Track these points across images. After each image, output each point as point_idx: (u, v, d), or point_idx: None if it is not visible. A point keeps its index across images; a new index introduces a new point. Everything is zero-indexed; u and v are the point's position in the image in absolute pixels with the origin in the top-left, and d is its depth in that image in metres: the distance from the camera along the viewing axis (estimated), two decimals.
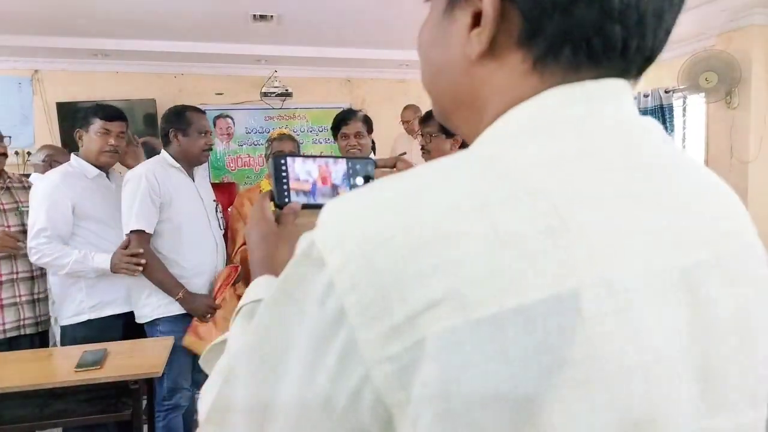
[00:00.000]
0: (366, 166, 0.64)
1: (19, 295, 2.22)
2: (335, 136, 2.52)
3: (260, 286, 0.58)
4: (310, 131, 5.43)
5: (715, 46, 4.05)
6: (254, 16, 3.81)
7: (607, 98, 0.38)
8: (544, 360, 0.30)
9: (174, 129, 2.31)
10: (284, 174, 0.62)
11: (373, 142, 2.67)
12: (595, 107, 0.38)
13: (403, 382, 0.30)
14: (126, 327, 2.31)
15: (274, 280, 0.41)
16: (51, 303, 2.46)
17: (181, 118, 2.31)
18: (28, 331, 2.24)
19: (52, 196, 2.17)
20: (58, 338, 2.65)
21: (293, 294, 0.34)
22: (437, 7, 0.43)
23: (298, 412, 0.33)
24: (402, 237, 0.31)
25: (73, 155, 2.33)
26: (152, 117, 4.81)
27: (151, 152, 3.05)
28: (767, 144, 3.91)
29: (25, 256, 2.22)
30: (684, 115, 4.68)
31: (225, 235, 2.54)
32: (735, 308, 0.38)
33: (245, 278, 2.38)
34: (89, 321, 2.25)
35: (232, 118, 5.25)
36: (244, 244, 2.46)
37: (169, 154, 2.34)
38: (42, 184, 2.23)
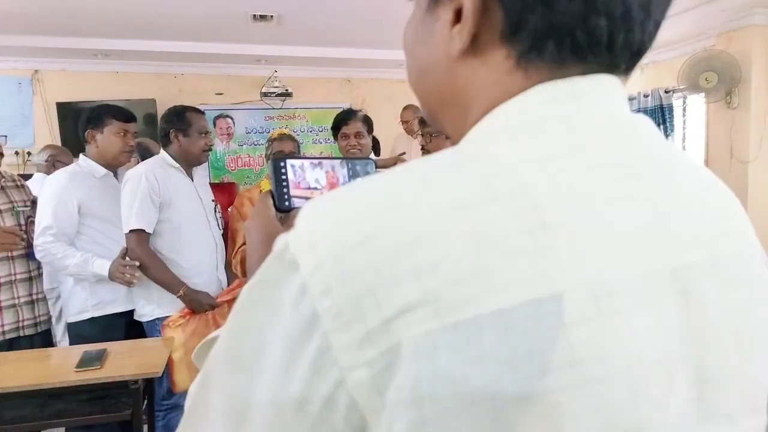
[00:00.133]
0: (366, 167, 0.64)
1: (18, 297, 2.21)
2: (335, 136, 2.52)
3: None
4: (310, 131, 5.44)
5: (715, 46, 4.05)
6: (254, 16, 3.81)
7: (597, 95, 0.37)
8: (523, 367, 0.29)
9: (175, 129, 2.32)
10: (284, 177, 0.61)
11: (377, 142, 2.67)
12: (584, 104, 0.37)
13: (378, 387, 0.29)
14: (128, 325, 2.33)
15: None
16: (51, 302, 2.47)
17: (182, 118, 2.32)
18: (27, 332, 2.24)
19: (60, 195, 2.21)
20: (57, 338, 2.66)
21: (267, 296, 0.33)
22: (421, 5, 0.42)
23: (273, 414, 0.32)
24: (377, 240, 0.30)
25: (81, 155, 2.37)
26: (152, 117, 4.81)
27: (144, 153, 3.06)
28: (767, 144, 3.91)
29: (23, 256, 2.23)
30: (684, 115, 4.68)
31: (224, 235, 2.55)
32: (732, 311, 0.37)
33: (244, 277, 2.38)
34: (93, 319, 2.28)
35: (232, 118, 5.25)
36: (245, 243, 2.46)
37: (169, 154, 2.35)
38: (51, 183, 2.28)
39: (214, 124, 5.13)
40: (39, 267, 2.32)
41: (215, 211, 2.50)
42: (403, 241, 0.30)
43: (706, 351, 0.35)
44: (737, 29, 3.89)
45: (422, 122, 2.46)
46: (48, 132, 4.73)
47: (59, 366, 1.92)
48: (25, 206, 2.30)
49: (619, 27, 0.36)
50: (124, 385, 1.79)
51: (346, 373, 0.30)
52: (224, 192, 4.17)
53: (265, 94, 5.07)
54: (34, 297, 2.28)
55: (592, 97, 0.37)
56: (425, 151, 2.40)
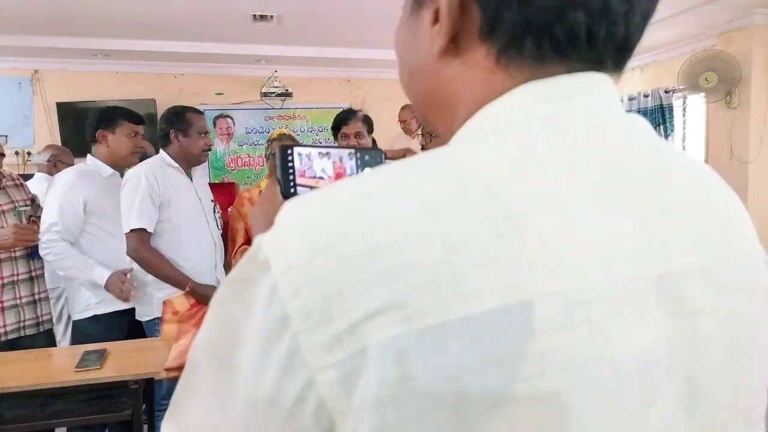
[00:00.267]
0: (375, 158, 0.63)
1: (20, 297, 2.22)
2: (335, 136, 2.52)
3: None
4: (310, 131, 5.44)
5: (715, 46, 4.05)
6: (254, 16, 3.81)
7: (583, 94, 0.36)
8: (490, 375, 0.28)
9: (175, 129, 2.33)
10: (290, 164, 0.61)
11: (374, 142, 2.67)
12: (569, 104, 0.36)
13: (345, 389, 0.29)
14: (130, 324, 2.34)
15: None
16: (52, 302, 2.47)
17: (182, 118, 2.33)
18: (29, 331, 2.25)
19: (67, 192, 2.25)
20: (57, 337, 2.67)
21: (241, 294, 0.33)
22: (407, 8, 0.42)
23: (248, 409, 0.33)
24: (345, 244, 0.30)
25: (89, 155, 2.41)
26: (152, 117, 4.80)
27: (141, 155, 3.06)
28: (767, 144, 3.91)
29: (25, 256, 2.24)
30: (684, 115, 4.68)
31: (224, 235, 2.55)
32: (726, 319, 0.36)
33: None
34: (95, 317, 2.30)
35: (232, 118, 5.25)
36: (245, 243, 2.47)
37: (168, 154, 2.35)
38: (59, 181, 2.33)
39: (214, 124, 5.13)
40: (41, 266, 2.33)
41: (214, 212, 2.50)
42: (371, 246, 0.30)
43: (697, 361, 0.34)
44: (737, 29, 3.89)
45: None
46: (48, 132, 4.73)
47: (59, 366, 1.92)
48: (26, 206, 2.30)
49: (599, 20, 0.35)
50: (124, 385, 1.79)
51: (315, 373, 0.30)
52: (224, 192, 4.17)
53: (265, 94, 5.07)
54: (37, 297, 2.29)
55: (579, 97, 0.36)
56: (425, 150, 2.40)
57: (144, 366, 1.85)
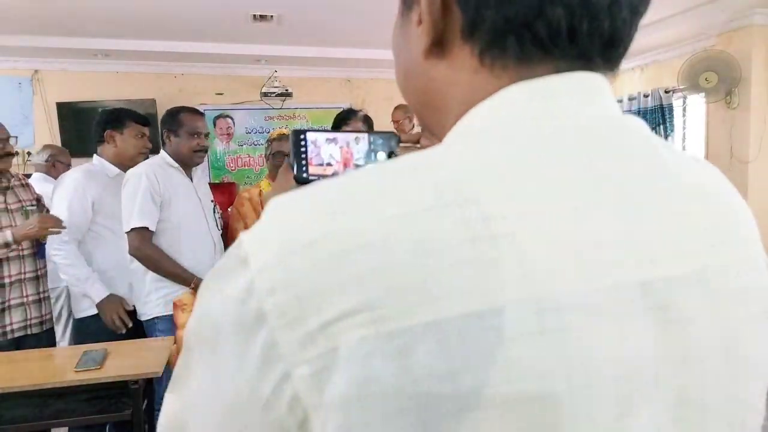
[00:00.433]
0: (389, 141, 0.62)
1: (26, 295, 2.24)
2: None
3: None
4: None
5: (715, 46, 4.05)
6: (254, 16, 3.81)
7: (573, 94, 0.35)
8: (457, 381, 0.28)
9: (167, 130, 2.36)
10: (303, 149, 0.61)
11: None
12: (555, 105, 0.35)
13: (318, 386, 0.30)
14: (135, 321, 2.35)
15: None
16: (51, 301, 2.48)
17: (174, 119, 2.35)
18: (34, 330, 2.26)
19: (76, 191, 2.28)
20: (57, 337, 2.68)
21: (222, 286, 0.34)
22: (399, 10, 0.42)
23: (233, 393, 0.33)
24: (320, 244, 0.30)
25: (95, 155, 2.46)
26: (152, 117, 4.80)
27: None
28: (767, 144, 3.91)
29: (31, 255, 2.26)
30: (684, 115, 4.68)
31: (224, 235, 2.55)
32: (720, 328, 0.35)
33: None
34: (98, 315, 2.32)
35: (232, 118, 5.25)
36: None
37: (168, 154, 2.37)
38: (66, 180, 2.36)
39: (214, 124, 5.13)
40: (45, 266, 2.35)
41: (214, 212, 2.51)
42: (345, 248, 0.30)
43: (688, 371, 0.33)
44: (737, 29, 3.89)
45: None
46: (48, 132, 4.73)
47: (59, 366, 1.92)
48: (32, 206, 2.32)
49: (580, 15, 0.34)
50: (124, 385, 1.80)
51: (290, 367, 0.30)
52: (224, 192, 4.17)
53: (265, 94, 5.07)
54: (41, 295, 2.31)
55: (566, 98, 0.35)
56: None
57: (144, 366, 1.85)
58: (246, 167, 5.33)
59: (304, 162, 0.61)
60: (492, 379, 0.28)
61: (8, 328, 2.17)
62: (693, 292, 0.34)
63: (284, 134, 2.65)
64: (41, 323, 2.29)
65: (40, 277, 2.30)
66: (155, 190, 2.23)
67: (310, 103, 5.38)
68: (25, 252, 2.24)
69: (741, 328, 0.36)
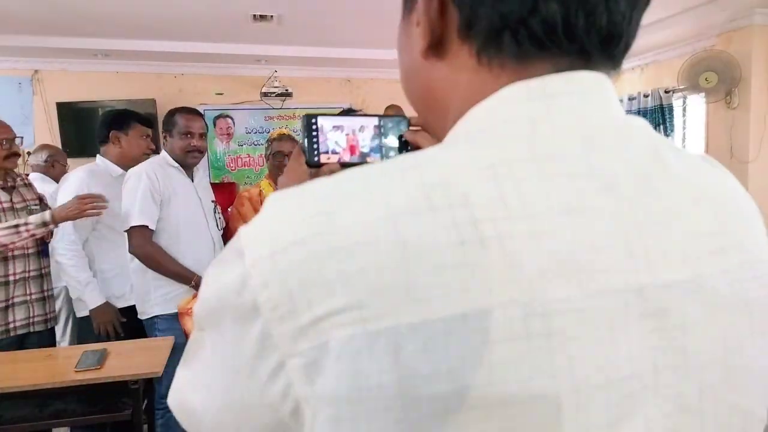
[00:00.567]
0: (399, 125, 0.62)
1: (30, 293, 2.25)
2: None
3: None
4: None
5: (715, 46, 4.05)
6: (254, 16, 3.81)
7: (570, 94, 0.35)
8: (442, 382, 0.28)
9: (165, 130, 2.38)
10: (314, 134, 0.61)
11: None
12: (554, 105, 0.34)
13: (309, 377, 0.31)
14: (135, 321, 2.37)
15: None
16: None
17: (170, 119, 2.36)
18: (38, 328, 2.28)
19: (81, 190, 2.30)
20: (57, 337, 2.69)
21: (220, 276, 0.35)
22: (402, 11, 0.42)
23: (234, 377, 0.35)
24: (311, 242, 0.31)
25: (98, 156, 2.50)
26: (152, 117, 4.80)
27: None
28: (767, 144, 3.91)
29: (36, 254, 2.28)
30: (684, 115, 4.68)
31: (224, 235, 2.55)
32: (720, 336, 0.34)
33: None
34: None
35: (232, 118, 5.25)
36: None
37: (167, 154, 2.39)
38: (71, 179, 2.41)
39: (214, 124, 5.13)
40: (49, 264, 2.37)
41: (215, 212, 2.51)
42: (335, 246, 0.30)
43: (686, 379, 0.33)
44: (737, 29, 3.89)
45: None
46: (48, 132, 4.72)
47: (59, 366, 1.92)
48: (35, 205, 2.34)
49: (576, 10, 0.33)
50: (124, 385, 1.80)
51: (284, 357, 0.31)
52: (224, 192, 4.17)
53: (265, 94, 5.06)
54: (45, 294, 2.33)
55: (565, 98, 0.35)
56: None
57: (144, 366, 1.85)
58: (246, 167, 5.33)
59: (315, 147, 0.61)
60: (477, 381, 0.29)
61: (11, 326, 2.19)
62: (692, 298, 0.33)
63: (284, 134, 2.65)
64: (45, 321, 2.31)
65: (44, 276, 2.33)
66: (155, 189, 2.24)
67: (310, 103, 5.37)
68: (30, 250, 2.25)
69: (742, 335, 0.35)
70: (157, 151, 2.51)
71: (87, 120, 4.66)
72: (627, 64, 0.38)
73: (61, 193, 2.38)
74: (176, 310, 2.27)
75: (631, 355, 0.31)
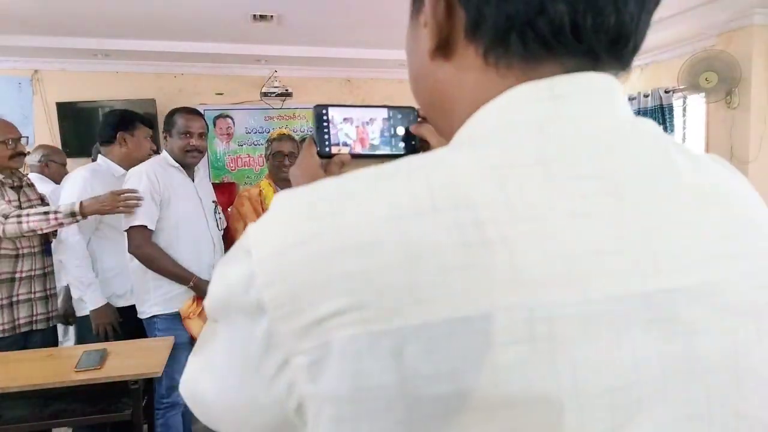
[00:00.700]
0: (408, 116, 0.63)
1: (34, 292, 2.27)
2: None
3: None
4: (310, 131, 5.41)
5: (715, 46, 4.05)
6: (254, 16, 3.81)
7: (577, 96, 0.35)
8: (444, 384, 0.28)
9: (164, 130, 2.40)
10: (325, 124, 0.61)
11: None
12: (560, 107, 0.34)
13: (312, 375, 0.31)
14: (136, 320, 2.38)
15: None
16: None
17: (169, 119, 2.37)
18: (40, 326, 2.29)
19: (84, 188, 2.32)
20: (59, 336, 2.69)
21: (227, 273, 0.35)
22: (410, 12, 0.42)
23: (240, 370, 0.35)
24: (315, 242, 0.31)
25: (100, 156, 2.52)
26: (152, 117, 4.80)
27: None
28: (767, 144, 3.91)
29: (41, 252, 2.30)
30: (684, 115, 4.68)
31: (225, 236, 2.55)
32: (728, 342, 0.33)
33: None
34: None
35: (232, 118, 5.25)
36: None
37: (168, 154, 2.39)
38: (74, 178, 2.42)
39: (214, 124, 5.13)
40: (52, 263, 2.39)
41: (215, 212, 2.51)
42: (338, 246, 0.30)
43: (693, 385, 0.32)
44: (737, 29, 3.89)
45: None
46: (48, 132, 4.72)
47: (59, 366, 1.92)
48: (39, 205, 2.34)
49: (584, 10, 0.33)
50: (124, 385, 1.80)
51: (289, 355, 0.32)
52: (224, 192, 4.17)
53: (265, 94, 5.06)
54: (49, 292, 2.34)
55: (572, 99, 0.35)
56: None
57: (144, 366, 1.85)
58: (246, 167, 5.33)
59: (326, 137, 0.61)
60: (479, 383, 0.29)
61: (16, 323, 2.21)
62: (699, 304, 0.33)
63: (284, 134, 2.65)
64: (47, 319, 2.33)
65: (47, 275, 2.34)
66: (155, 189, 2.24)
67: (310, 103, 5.35)
68: (36, 249, 2.27)
69: (750, 340, 0.34)
70: (158, 152, 2.51)
71: (87, 120, 4.66)
72: (632, 58, 0.38)
73: (65, 191, 2.39)
74: (175, 310, 2.29)
75: (637, 361, 0.31)
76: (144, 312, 2.32)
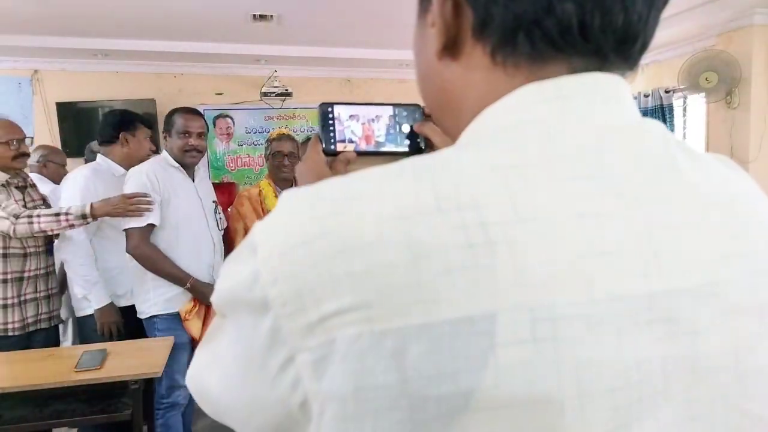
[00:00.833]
0: (413, 114, 0.63)
1: (39, 291, 2.28)
2: None
3: None
4: (310, 131, 5.43)
5: (715, 46, 4.05)
6: (254, 16, 3.81)
7: (584, 96, 0.35)
8: (449, 384, 0.29)
9: (164, 130, 2.40)
10: (331, 122, 0.61)
11: None
12: (570, 107, 0.34)
13: (317, 373, 0.31)
14: (136, 320, 2.38)
15: None
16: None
17: (169, 119, 2.38)
18: (43, 325, 2.30)
19: (86, 187, 2.34)
20: (60, 336, 2.70)
21: (233, 269, 0.36)
22: (417, 12, 0.42)
23: (245, 366, 0.35)
24: (320, 241, 0.31)
25: (99, 155, 2.53)
26: (152, 117, 4.80)
27: (90, 156, 3.06)
28: (767, 144, 3.91)
29: (45, 251, 2.31)
30: (684, 115, 4.68)
31: (225, 236, 2.55)
32: (732, 343, 0.33)
33: None
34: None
35: (231, 118, 5.25)
36: None
37: (168, 153, 2.39)
38: (75, 178, 2.43)
39: (214, 124, 5.13)
40: (53, 263, 2.40)
41: (215, 212, 2.51)
42: (343, 246, 0.31)
43: (696, 385, 0.33)
44: (737, 29, 3.89)
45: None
46: (48, 132, 4.72)
47: (59, 366, 1.92)
48: (42, 206, 2.35)
49: (591, 9, 0.33)
50: (124, 385, 1.80)
51: (294, 352, 0.32)
52: (224, 192, 4.17)
53: (265, 94, 5.06)
54: (51, 291, 2.35)
55: (578, 99, 0.35)
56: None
57: (144, 366, 1.85)
58: (246, 167, 5.33)
59: (332, 135, 0.61)
60: (482, 384, 0.29)
61: (23, 323, 2.22)
62: (703, 304, 0.33)
63: (284, 134, 2.65)
64: (50, 319, 2.34)
65: (49, 274, 2.35)
66: (155, 189, 2.24)
67: (310, 103, 5.37)
68: (41, 249, 2.29)
69: (753, 339, 0.34)
70: (157, 152, 2.51)
71: (87, 120, 4.67)
72: (639, 57, 0.38)
73: (66, 190, 2.40)
74: (175, 310, 2.29)
75: (640, 362, 0.31)
76: (144, 312, 2.32)
